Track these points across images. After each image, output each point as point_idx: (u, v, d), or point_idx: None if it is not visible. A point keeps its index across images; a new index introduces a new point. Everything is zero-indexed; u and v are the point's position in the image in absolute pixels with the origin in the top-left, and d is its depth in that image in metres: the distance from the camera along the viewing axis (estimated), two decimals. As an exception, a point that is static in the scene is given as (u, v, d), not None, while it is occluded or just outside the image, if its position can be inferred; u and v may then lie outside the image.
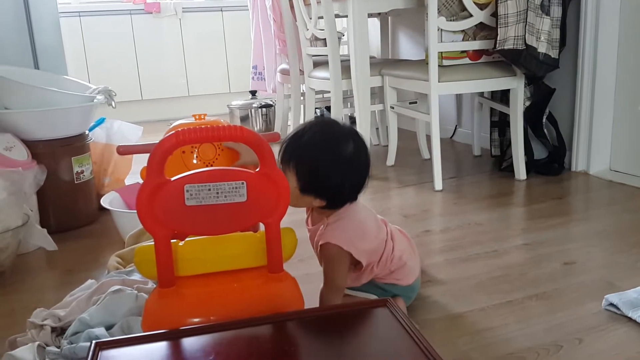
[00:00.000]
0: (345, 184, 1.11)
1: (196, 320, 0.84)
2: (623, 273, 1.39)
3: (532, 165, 2.31)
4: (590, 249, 1.55)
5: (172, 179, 0.82)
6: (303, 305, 0.93)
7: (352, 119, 3.52)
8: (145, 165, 0.83)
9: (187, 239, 0.90)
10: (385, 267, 1.20)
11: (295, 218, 1.92)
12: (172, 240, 0.85)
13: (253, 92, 3.72)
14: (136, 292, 1.12)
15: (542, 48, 2.04)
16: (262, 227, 0.90)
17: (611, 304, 1.19)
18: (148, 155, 0.82)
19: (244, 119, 3.64)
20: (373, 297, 1.21)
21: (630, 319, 1.15)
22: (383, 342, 0.80)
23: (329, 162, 1.08)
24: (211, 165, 1.28)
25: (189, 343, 0.79)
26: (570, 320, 1.17)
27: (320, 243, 1.14)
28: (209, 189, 0.83)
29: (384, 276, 1.22)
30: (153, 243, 0.84)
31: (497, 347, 1.09)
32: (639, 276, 1.36)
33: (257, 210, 0.86)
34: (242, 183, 0.84)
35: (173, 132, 0.81)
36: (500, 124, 2.48)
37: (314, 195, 1.11)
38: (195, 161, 1.28)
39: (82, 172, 1.95)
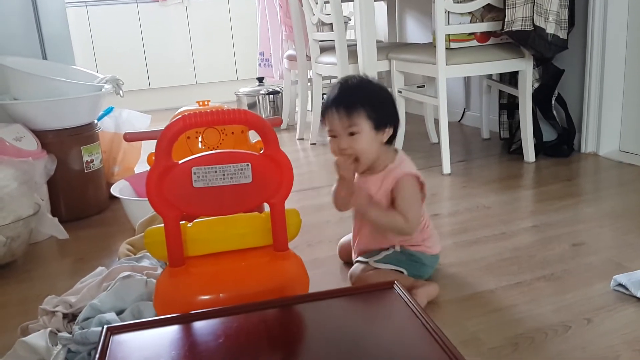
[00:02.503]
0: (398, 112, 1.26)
1: (205, 297, 0.87)
2: (632, 253, 1.38)
3: (541, 148, 2.30)
4: (599, 230, 1.55)
5: (180, 162, 0.84)
6: (308, 282, 0.95)
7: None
8: (152, 152, 0.84)
9: (195, 221, 0.93)
10: (420, 230, 1.28)
11: (304, 205, 1.94)
12: (181, 222, 0.87)
13: (260, 79, 3.71)
14: (146, 277, 1.13)
15: (550, 29, 2.02)
16: (267, 207, 0.92)
17: (619, 285, 1.19)
18: (155, 142, 0.84)
19: (252, 106, 3.64)
20: (404, 272, 1.25)
21: (638, 299, 1.15)
22: (391, 324, 0.80)
23: (387, 92, 1.25)
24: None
25: (199, 327, 0.80)
26: (578, 300, 1.17)
27: (398, 178, 1.22)
28: (216, 171, 0.85)
29: (417, 242, 1.28)
30: (162, 225, 0.86)
31: (505, 328, 1.09)
32: (648, 256, 1.36)
33: (262, 191, 0.89)
34: (247, 165, 0.86)
35: (180, 116, 0.82)
36: (509, 106, 2.46)
37: (386, 127, 1.22)
38: (200, 146, 1.29)
39: (92, 161, 1.96)
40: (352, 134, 1.20)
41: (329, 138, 1.25)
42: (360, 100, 1.20)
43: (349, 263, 1.42)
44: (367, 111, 1.19)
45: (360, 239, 1.33)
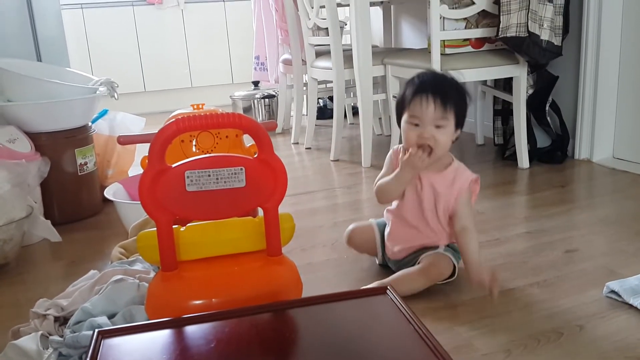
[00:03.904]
0: None
1: (198, 302, 0.86)
2: (625, 260, 1.39)
3: (535, 154, 2.30)
4: (593, 236, 1.55)
5: (173, 165, 0.84)
6: (301, 288, 0.95)
7: (355, 109, 3.52)
8: (146, 155, 0.84)
9: (188, 225, 0.92)
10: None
11: (298, 209, 1.94)
12: (174, 226, 0.87)
13: (255, 83, 3.71)
14: (138, 281, 1.13)
15: (545, 35, 2.03)
16: (261, 212, 0.91)
17: (612, 291, 1.19)
18: (149, 145, 0.83)
19: (247, 110, 3.64)
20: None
21: (631, 305, 1.15)
22: (383, 329, 0.80)
23: (468, 95, 1.25)
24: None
25: (191, 331, 0.80)
26: (571, 307, 1.18)
27: (472, 180, 1.26)
28: (209, 175, 0.84)
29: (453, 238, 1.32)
30: (155, 229, 0.86)
31: (498, 334, 1.09)
32: (641, 263, 1.36)
33: (256, 195, 0.88)
34: (241, 169, 0.85)
35: (173, 120, 0.82)
36: (504, 112, 2.47)
37: (459, 128, 1.24)
38: (194, 149, 1.29)
39: (86, 163, 1.96)
40: (438, 126, 1.20)
41: (405, 125, 1.24)
42: (453, 95, 1.21)
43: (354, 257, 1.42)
44: (456, 107, 1.21)
45: (406, 237, 1.32)
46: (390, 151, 1.35)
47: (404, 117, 1.24)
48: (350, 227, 1.44)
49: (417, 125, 1.21)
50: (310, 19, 2.65)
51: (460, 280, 1.33)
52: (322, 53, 2.74)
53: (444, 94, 1.19)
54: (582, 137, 2.29)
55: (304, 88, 3.11)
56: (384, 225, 1.40)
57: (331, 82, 2.65)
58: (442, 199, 1.26)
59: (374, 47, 2.60)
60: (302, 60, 2.94)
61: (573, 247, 1.48)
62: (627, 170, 2.13)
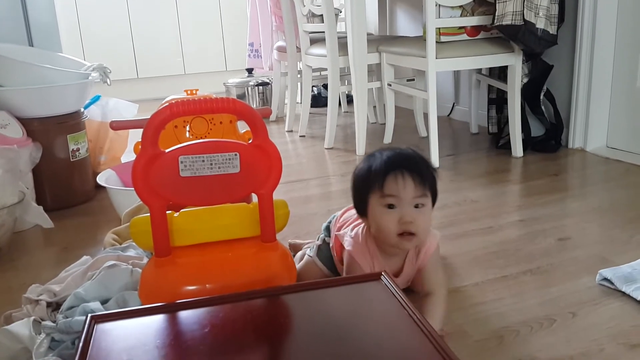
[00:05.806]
0: None
1: (191, 288, 0.86)
2: (617, 248, 1.39)
3: (529, 143, 2.30)
4: (586, 224, 1.56)
5: (167, 150, 0.83)
6: (295, 274, 0.95)
7: (350, 97, 3.51)
8: (139, 141, 0.83)
9: (182, 210, 0.92)
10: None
11: (292, 196, 1.93)
12: (167, 212, 0.86)
13: (249, 70, 3.70)
14: (131, 267, 1.12)
15: (540, 24, 2.02)
16: (255, 198, 0.91)
17: (605, 279, 1.20)
18: (142, 131, 0.83)
19: (241, 97, 3.62)
20: None
21: (624, 293, 1.15)
22: (377, 315, 0.80)
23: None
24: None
25: (185, 316, 0.79)
26: (564, 294, 1.18)
27: (432, 250, 1.12)
28: (203, 160, 0.84)
29: None
30: (148, 215, 0.85)
31: (491, 321, 1.10)
32: (633, 251, 1.36)
33: (250, 181, 0.88)
34: (236, 154, 0.85)
35: (167, 104, 0.81)
36: (498, 101, 2.47)
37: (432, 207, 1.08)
38: (188, 135, 1.28)
39: (78, 149, 1.95)
40: (417, 206, 1.03)
41: (378, 209, 1.04)
42: (428, 171, 1.05)
43: None
44: (431, 184, 1.05)
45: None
46: (348, 258, 1.11)
47: (374, 199, 1.04)
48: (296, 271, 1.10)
49: (391, 206, 1.02)
50: (304, 6, 2.63)
51: (453, 268, 1.33)
52: (317, 40, 2.73)
53: (419, 168, 1.03)
54: (576, 126, 2.30)
55: (298, 75, 3.09)
56: (327, 248, 1.25)
57: (326, 69, 2.64)
58: (412, 272, 1.14)
59: (369, 34, 2.59)
60: (297, 47, 2.92)
61: (566, 235, 1.49)
62: (621, 159, 2.13)
